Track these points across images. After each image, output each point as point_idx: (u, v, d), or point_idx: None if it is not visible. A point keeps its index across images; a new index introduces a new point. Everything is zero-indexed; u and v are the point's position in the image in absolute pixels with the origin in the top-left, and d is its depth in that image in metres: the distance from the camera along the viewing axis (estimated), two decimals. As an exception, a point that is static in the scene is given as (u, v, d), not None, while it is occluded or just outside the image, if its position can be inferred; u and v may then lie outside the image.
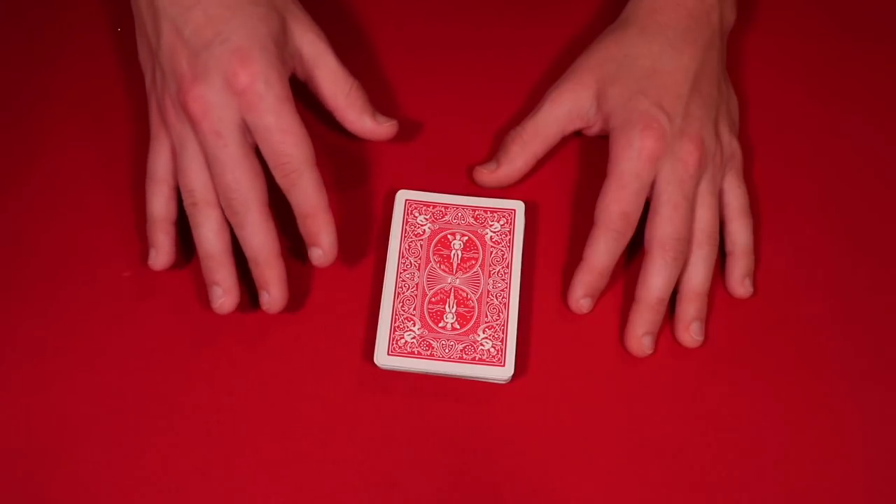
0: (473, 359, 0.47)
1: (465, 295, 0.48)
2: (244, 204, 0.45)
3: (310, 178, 0.46)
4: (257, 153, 0.47)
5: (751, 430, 0.46)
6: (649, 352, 0.48)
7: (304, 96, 0.53)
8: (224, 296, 0.47)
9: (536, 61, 0.56)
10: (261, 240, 0.46)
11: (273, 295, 0.47)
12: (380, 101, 0.55)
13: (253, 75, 0.45)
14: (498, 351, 0.47)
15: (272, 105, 0.45)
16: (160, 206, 0.48)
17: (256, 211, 0.46)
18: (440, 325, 0.47)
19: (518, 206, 0.50)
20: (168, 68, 0.47)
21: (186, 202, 0.47)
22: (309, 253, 0.47)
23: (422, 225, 0.50)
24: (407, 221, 0.50)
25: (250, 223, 0.46)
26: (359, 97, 0.50)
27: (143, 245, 0.50)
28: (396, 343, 0.47)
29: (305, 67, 0.50)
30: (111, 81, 0.55)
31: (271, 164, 0.46)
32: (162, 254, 0.48)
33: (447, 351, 0.47)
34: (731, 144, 0.51)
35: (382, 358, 0.47)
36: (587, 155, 0.54)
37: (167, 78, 0.47)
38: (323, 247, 0.47)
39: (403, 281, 0.48)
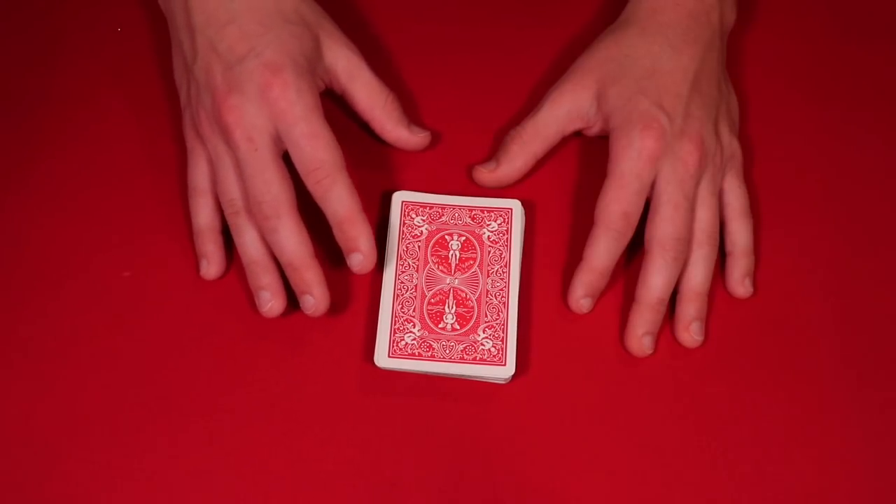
0: (474, 359, 0.47)
1: (464, 295, 0.48)
2: (275, 207, 0.46)
3: (343, 183, 0.46)
4: (288, 165, 0.47)
5: (751, 430, 0.46)
6: (649, 352, 0.48)
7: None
8: (273, 299, 0.47)
9: (536, 62, 0.56)
10: (295, 242, 0.46)
11: (317, 297, 0.47)
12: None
13: (285, 85, 0.46)
14: (499, 350, 0.47)
15: (303, 113, 0.46)
16: (206, 216, 0.49)
17: (287, 214, 0.46)
18: (440, 325, 0.47)
19: (514, 205, 0.50)
20: (203, 82, 0.48)
21: (228, 212, 0.48)
22: (348, 260, 0.47)
23: (419, 226, 0.50)
24: (404, 223, 0.50)
25: (283, 227, 0.46)
26: (395, 108, 0.52)
27: (143, 246, 0.50)
28: (397, 345, 0.47)
29: (341, 81, 0.51)
30: (111, 81, 0.55)
31: (303, 172, 0.47)
32: (213, 263, 0.49)
33: (448, 351, 0.47)
34: (731, 144, 0.51)
35: (383, 360, 0.47)
36: (587, 155, 0.54)
37: (202, 92, 0.48)
38: (363, 251, 0.47)
39: (402, 283, 0.48)
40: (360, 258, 0.47)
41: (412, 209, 0.50)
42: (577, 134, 0.53)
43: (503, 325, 0.47)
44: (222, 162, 0.48)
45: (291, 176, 0.47)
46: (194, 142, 0.50)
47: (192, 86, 0.49)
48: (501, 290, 0.48)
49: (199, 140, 0.49)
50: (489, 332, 0.47)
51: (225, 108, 0.46)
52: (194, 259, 0.50)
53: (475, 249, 0.49)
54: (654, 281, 0.48)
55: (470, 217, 0.50)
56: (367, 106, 0.52)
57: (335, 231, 0.47)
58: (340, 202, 0.46)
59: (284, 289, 0.48)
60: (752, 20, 0.58)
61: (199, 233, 0.50)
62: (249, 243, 0.48)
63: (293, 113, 0.46)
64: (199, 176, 0.50)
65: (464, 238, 0.50)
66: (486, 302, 0.48)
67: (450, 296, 0.48)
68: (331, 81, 0.51)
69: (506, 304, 0.48)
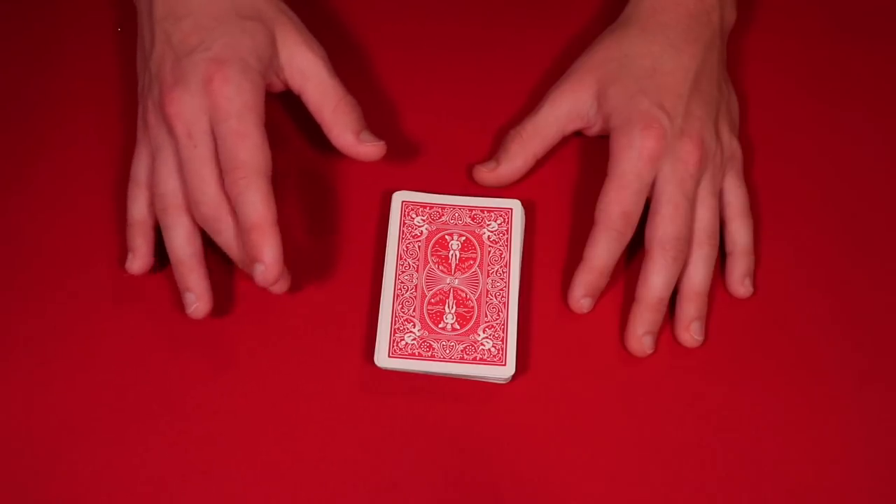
0: (474, 359, 0.47)
1: (464, 295, 0.48)
2: (215, 207, 0.45)
3: (258, 189, 0.44)
4: None
5: (751, 430, 0.46)
6: (650, 351, 0.48)
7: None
8: (197, 301, 0.47)
9: (536, 61, 0.56)
10: (237, 244, 0.45)
11: (268, 262, 0.44)
12: (379, 101, 0.55)
13: (224, 80, 0.45)
14: (499, 350, 0.47)
15: (237, 110, 0.45)
16: (139, 210, 0.49)
17: (229, 214, 0.45)
18: (440, 325, 0.47)
19: (515, 205, 0.50)
20: (154, 73, 0.48)
21: (157, 207, 0.47)
22: (252, 271, 0.44)
23: (419, 226, 0.50)
24: (404, 223, 0.50)
25: (226, 228, 0.45)
26: (346, 112, 0.49)
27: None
28: (397, 345, 0.47)
29: (296, 80, 0.49)
30: (111, 81, 0.55)
31: (224, 169, 0.45)
32: (139, 257, 0.48)
33: (448, 351, 0.47)
34: (732, 144, 0.51)
35: (383, 360, 0.47)
36: (587, 155, 0.54)
37: (153, 83, 0.48)
38: (265, 261, 0.44)
39: (402, 283, 0.48)
40: (261, 269, 0.44)
41: (412, 209, 0.50)
42: (577, 134, 0.53)
43: (503, 325, 0.47)
44: (161, 154, 0.47)
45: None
46: (142, 133, 0.49)
47: (146, 76, 0.49)
48: (501, 290, 0.48)
49: (145, 131, 0.48)
50: (489, 332, 0.47)
51: (168, 100, 0.45)
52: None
53: (475, 249, 0.49)
54: (655, 280, 0.48)
55: (470, 217, 0.50)
56: (317, 107, 0.49)
57: (244, 239, 0.44)
58: (252, 207, 0.44)
59: (210, 290, 0.47)
60: (752, 20, 0.58)
61: (131, 225, 0.49)
62: (176, 242, 0.47)
63: (227, 108, 0.45)
64: (141, 168, 0.49)
65: (464, 238, 0.50)
66: (486, 302, 0.48)
67: (450, 296, 0.48)
68: (286, 80, 0.50)
69: (506, 304, 0.48)
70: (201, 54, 0.46)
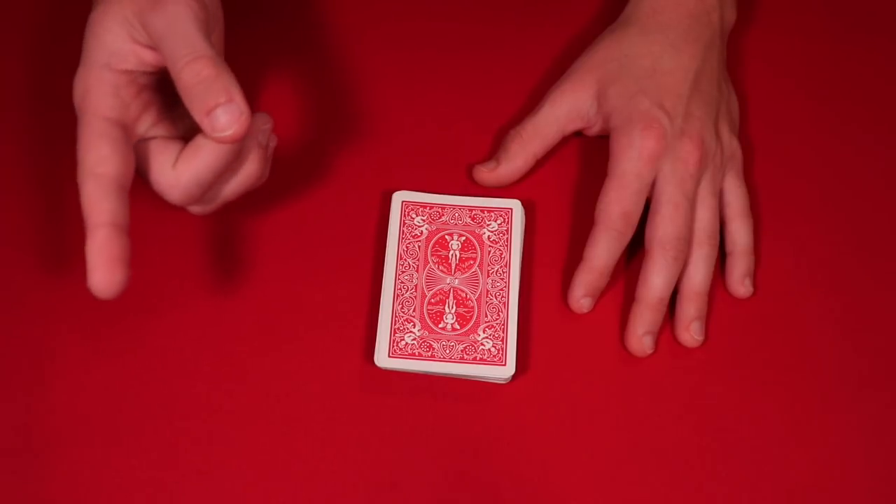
0: (474, 359, 0.47)
1: (464, 295, 0.48)
2: None
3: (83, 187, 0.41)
4: None
5: (751, 430, 0.46)
6: (650, 351, 0.48)
7: (314, 100, 0.54)
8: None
9: (536, 61, 0.56)
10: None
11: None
12: (378, 100, 0.55)
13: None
14: (499, 350, 0.47)
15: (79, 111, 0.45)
16: None
17: None
18: (440, 325, 0.47)
19: (515, 205, 0.50)
20: None
21: None
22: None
23: (419, 226, 0.50)
24: (404, 223, 0.50)
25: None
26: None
27: (144, 246, 0.50)
28: (397, 345, 0.47)
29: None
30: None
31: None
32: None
33: (448, 351, 0.47)
34: (732, 144, 0.51)
35: (383, 360, 0.47)
36: (587, 155, 0.54)
37: None
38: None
39: (402, 283, 0.48)
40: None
41: (412, 209, 0.50)
42: (578, 134, 0.53)
43: (503, 325, 0.47)
44: None
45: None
46: None
47: None
48: (501, 290, 0.48)
49: None
50: (489, 332, 0.47)
51: None
52: (193, 258, 0.50)
53: (475, 249, 0.49)
54: (655, 280, 0.48)
55: (470, 217, 0.50)
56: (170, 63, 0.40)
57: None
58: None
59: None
60: (752, 20, 0.58)
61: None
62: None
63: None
64: None
65: (464, 238, 0.50)
66: (486, 302, 0.48)
67: (450, 296, 0.48)
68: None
69: (506, 304, 0.48)
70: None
